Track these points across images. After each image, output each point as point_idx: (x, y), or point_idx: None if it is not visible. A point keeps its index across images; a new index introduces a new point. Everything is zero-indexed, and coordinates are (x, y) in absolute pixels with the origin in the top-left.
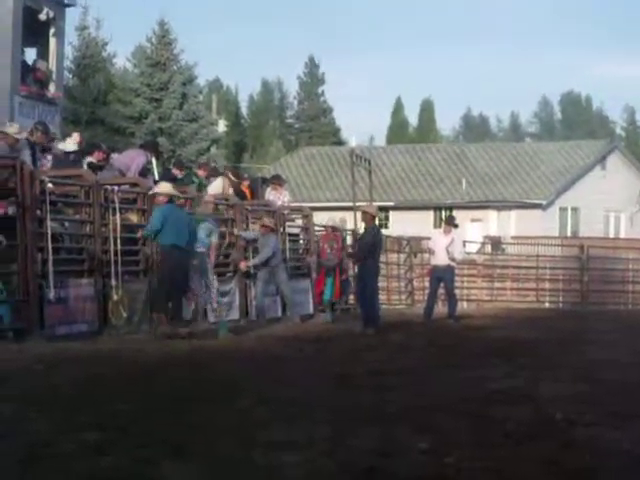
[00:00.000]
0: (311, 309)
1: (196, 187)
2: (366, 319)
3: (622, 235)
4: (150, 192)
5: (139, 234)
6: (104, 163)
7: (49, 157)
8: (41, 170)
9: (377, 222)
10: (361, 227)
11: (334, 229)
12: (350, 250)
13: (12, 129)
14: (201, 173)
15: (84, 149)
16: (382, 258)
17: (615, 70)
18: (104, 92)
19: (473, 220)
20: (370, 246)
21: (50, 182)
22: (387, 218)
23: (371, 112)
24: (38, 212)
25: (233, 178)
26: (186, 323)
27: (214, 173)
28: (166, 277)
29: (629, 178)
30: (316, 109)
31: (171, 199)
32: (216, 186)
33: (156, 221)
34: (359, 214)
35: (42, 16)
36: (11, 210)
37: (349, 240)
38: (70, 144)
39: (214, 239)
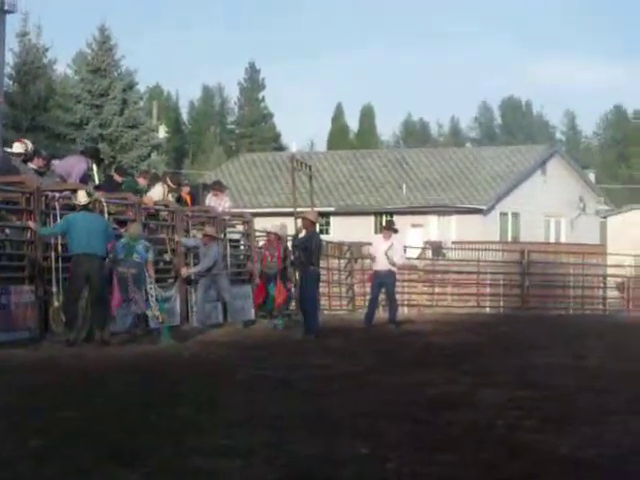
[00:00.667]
0: (252, 315)
1: (137, 194)
2: (306, 325)
3: (563, 240)
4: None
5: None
6: (44, 169)
7: None
8: None
9: (317, 228)
10: (301, 233)
11: (276, 236)
12: (291, 257)
13: None
14: (142, 181)
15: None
16: (323, 264)
17: (555, 75)
18: (45, 98)
19: (414, 225)
20: (309, 252)
21: None
22: (328, 223)
23: (311, 118)
24: None
25: (171, 184)
26: (80, 330)
27: (154, 180)
28: (73, 285)
29: (569, 183)
30: (257, 115)
31: (86, 207)
32: (155, 192)
33: (57, 227)
34: (299, 220)
35: None
36: None
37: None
38: (17, 147)
39: (151, 256)
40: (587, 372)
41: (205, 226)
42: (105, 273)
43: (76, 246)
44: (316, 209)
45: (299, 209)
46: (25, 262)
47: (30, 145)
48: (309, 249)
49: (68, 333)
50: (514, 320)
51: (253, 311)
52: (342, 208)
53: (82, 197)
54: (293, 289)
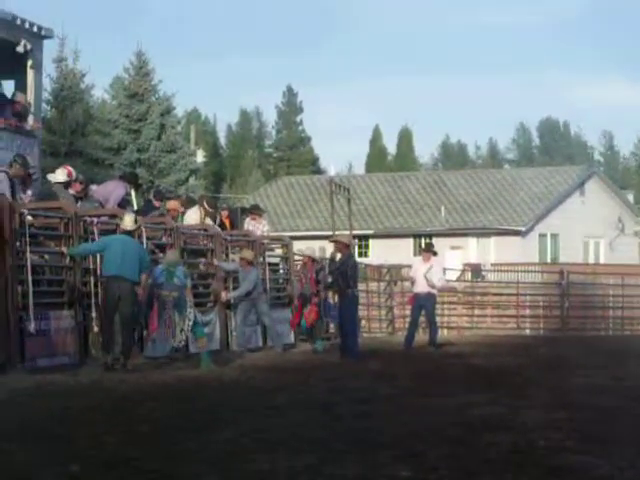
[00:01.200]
0: (292, 338)
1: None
2: (346, 348)
3: (602, 261)
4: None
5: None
6: (82, 195)
7: (29, 192)
8: (22, 203)
9: (355, 250)
10: (336, 256)
11: (310, 258)
12: (328, 280)
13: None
14: (157, 203)
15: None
16: (362, 286)
17: (593, 96)
18: (82, 124)
19: (453, 247)
20: (346, 275)
21: (29, 214)
22: (367, 246)
23: (349, 141)
24: (18, 244)
25: (208, 207)
26: (118, 354)
27: (190, 203)
28: (106, 308)
29: (608, 203)
30: (294, 138)
31: (129, 232)
32: (192, 216)
33: (93, 246)
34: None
35: (19, 48)
36: None
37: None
38: (60, 175)
39: (189, 282)
40: (627, 393)
41: (243, 250)
42: (142, 298)
43: (108, 268)
44: (355, 232)
45: (337, 232)
46: (64, 287)
47: (74, 172)
48: (345, 273)
49: (105, 356)
50: (554, 341)
51: (293, 335)
52: (381, 231)
53: (129, 222)
54: (331, 312)
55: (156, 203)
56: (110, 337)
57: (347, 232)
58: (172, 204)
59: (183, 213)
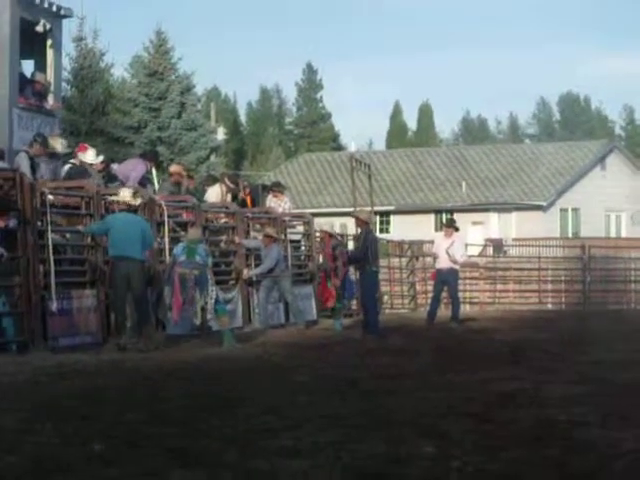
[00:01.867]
0: (315, 315)
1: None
2: (367, 324)
3: (623, 234)
4: (110, 199)
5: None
6: (103, 173)
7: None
8: (41, 182)
9: (376, 225)
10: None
11: (327, 233)
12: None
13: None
14: (175, 169)
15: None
16: (384, 262)
17: (613, 69)
18: (103, 102)
19: (474, 223)
20: (365, 251)
21: (50, 194)
22: (388, 222)
23: (370, 117)
24: (39, 224)
25: (230, 184)
26: (132, 334)
27: (211, 181)
28: (115, 289)
29: (629, 177)
30: (315, 115)
31: (129, 207)
32: (214, 193)
33: (97, 226)
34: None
35: (39, 28)
36: (12, 223)
37: (350, 245)
38: (90, 155)
39: (210, 261)
40: None
41: (265, 227)
42: (164, 276)
43: (113, 249)
44: (376, 208)
45: (359, 208)
46: (86, 266)
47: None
48: (365, 248)
49: (119, 337)
50: (576, 316)
51: (315, 311)
52: (402, 207)
53: (128, 196)
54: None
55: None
56: (122, 318)
57: (367, 208)
58: (175, 168)
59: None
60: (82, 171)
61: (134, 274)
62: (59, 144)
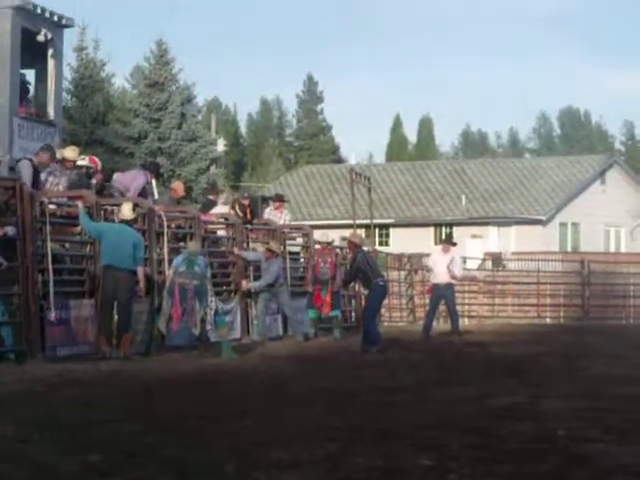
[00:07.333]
0: (313, 327)
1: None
2: (367, 337)
3: (622, 250)
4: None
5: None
6: (102, 184)
7: (63, 179)
8: (42, 191)
9: (372, 242)
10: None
11: (328, 244)
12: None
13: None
14: (213, 197)
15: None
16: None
17: (614, 84)
18: (103, 113)
19: (473, 236)
20: (360, 271)
21: (50, 203)
22: (387, 235)
23: (370, 129)
24: (38, 233)
25: (240, 212)
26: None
27: (213, 191)
28: (103, 297)
29: (629, 192)
30: (315, 127)
31: (127, 221)
32: (223, 209)
33: (93, 225)
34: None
35: (40, 37)
36: (11, 232)
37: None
38: (127, 211)
39: (209, 272)
40: None
41: (269, 240)
42: (167, 288)
43: (103, 258)
44: (375, 221)
45: (358, 221)
46: (85, 276)
47: (99, 163)
48: (359, 269)
49: (105, 347)
50: (575, 330)
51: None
52: (401, 220)
53: (127, 211)
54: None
55: (212, 197)
56: (109, 328)
57: (353, 231)
58: (177, 185)
59: (184, 198)
60: (82, 182)
61: (121, 283)
62: (73, 153)
